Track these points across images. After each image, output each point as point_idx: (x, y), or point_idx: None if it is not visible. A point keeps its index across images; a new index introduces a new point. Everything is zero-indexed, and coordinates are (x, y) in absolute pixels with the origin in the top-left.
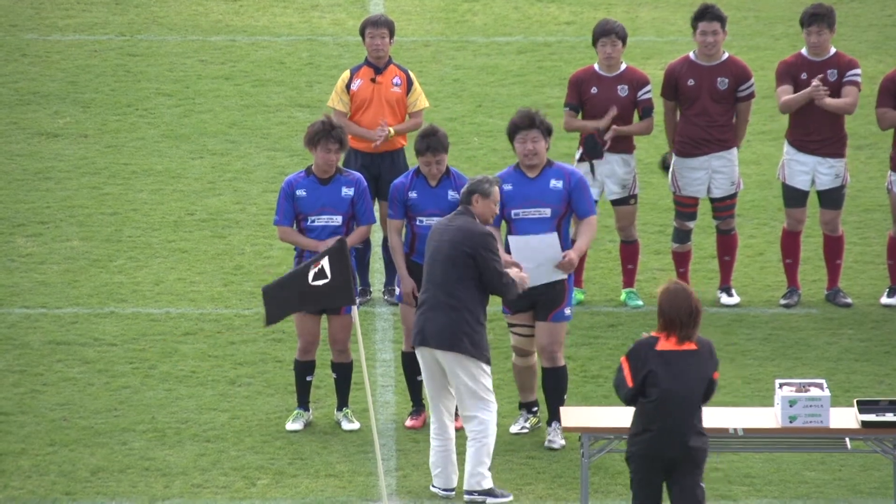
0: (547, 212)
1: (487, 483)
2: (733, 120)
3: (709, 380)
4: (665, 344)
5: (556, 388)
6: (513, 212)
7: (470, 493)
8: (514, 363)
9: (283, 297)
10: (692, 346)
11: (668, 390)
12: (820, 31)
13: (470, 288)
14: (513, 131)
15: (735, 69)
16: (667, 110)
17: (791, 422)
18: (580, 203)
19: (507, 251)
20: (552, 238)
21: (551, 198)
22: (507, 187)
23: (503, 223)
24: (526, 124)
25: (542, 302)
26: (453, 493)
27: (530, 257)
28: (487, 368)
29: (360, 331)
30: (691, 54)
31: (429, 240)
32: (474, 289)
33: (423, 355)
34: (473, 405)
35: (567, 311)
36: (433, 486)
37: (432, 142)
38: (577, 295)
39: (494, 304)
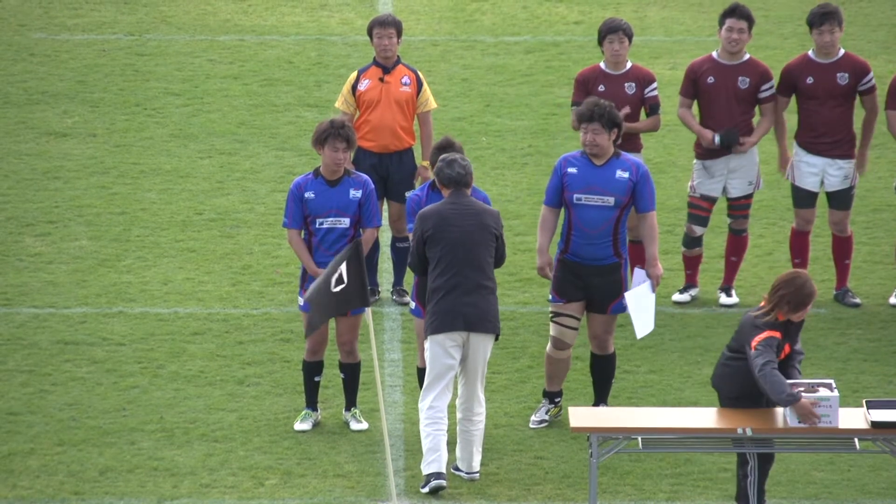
0: (611, 200)
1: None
2: (752, 121)
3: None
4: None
5: (606, 373)
6: (575, 196)
7: (477, 472)
8: (550, 354)
9: (319, 306)
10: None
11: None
12: (832, 31)
13: (492, 268)
14: (577, 121)
15: (756, 70)
16: (683, 107)
17: (800, 422)
18: (643, 196)
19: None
20: (645, 286)
21: (616, 187)
22: (572, 171)
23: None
24: (587, 117)
25: (600, 294)
26: (478, 475)
27: (647, 307)
28: None
29: (372, 331)
30: (714, 53)
31: (441, 225)
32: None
33: (454, 340)
34: (482, 387)
35: (624, 302)
36: (455, 467)
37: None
38: None
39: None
